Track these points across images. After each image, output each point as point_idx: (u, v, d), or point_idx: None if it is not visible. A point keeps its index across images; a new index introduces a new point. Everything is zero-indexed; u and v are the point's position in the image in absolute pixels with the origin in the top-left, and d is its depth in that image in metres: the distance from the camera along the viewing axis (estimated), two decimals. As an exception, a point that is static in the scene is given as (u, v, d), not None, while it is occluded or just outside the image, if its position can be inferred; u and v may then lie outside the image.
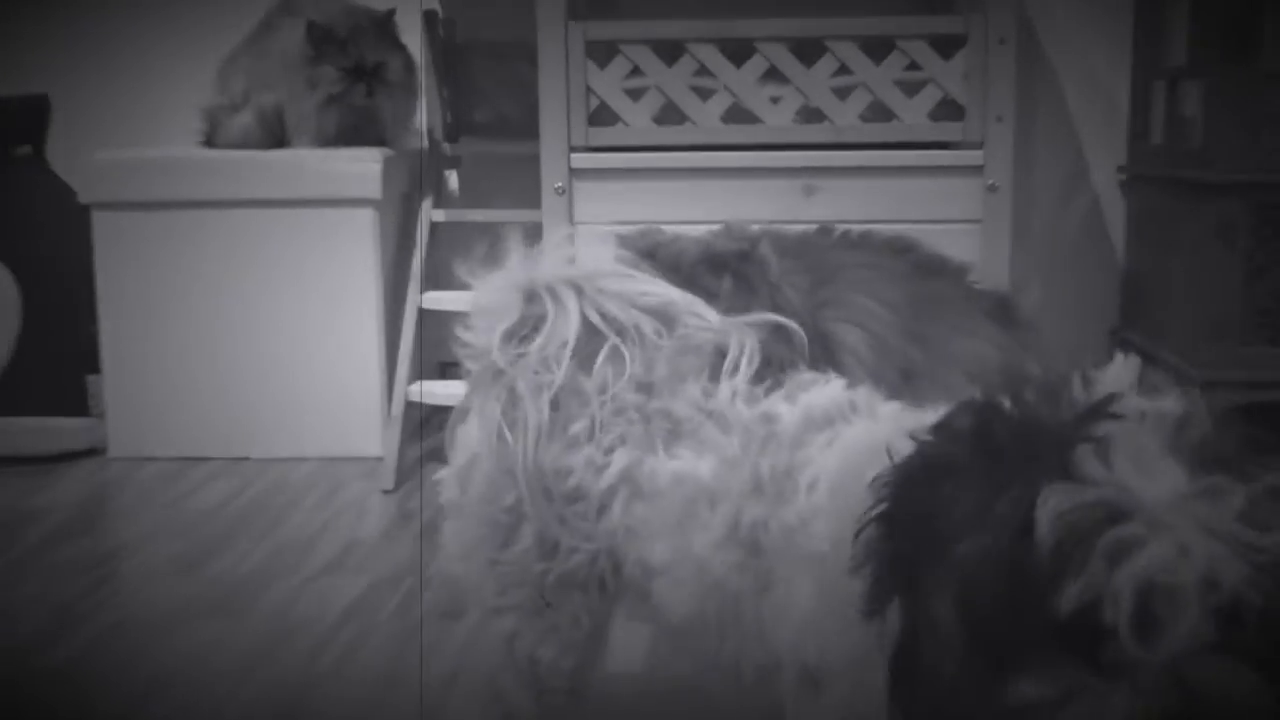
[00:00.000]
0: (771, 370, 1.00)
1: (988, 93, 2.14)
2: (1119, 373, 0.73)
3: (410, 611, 1.73)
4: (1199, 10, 2.45)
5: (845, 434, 0.90)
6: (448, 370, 2.89)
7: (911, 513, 0.72)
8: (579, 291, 1.04)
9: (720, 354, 1.02)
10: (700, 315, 1.06)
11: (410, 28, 2.65)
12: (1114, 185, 2.80)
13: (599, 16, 2.39)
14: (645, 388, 1.02)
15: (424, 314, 2.51)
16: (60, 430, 2.52)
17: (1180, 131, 2.58)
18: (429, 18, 2.55)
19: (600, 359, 1.02)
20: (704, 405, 0.99)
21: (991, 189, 2.15)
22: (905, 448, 0.76)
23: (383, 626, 1.69)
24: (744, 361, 1.01)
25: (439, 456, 2.52)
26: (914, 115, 2.19)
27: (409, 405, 2.41)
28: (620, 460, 0.99)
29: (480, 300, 1.08)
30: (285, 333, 2.50)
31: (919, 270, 1.75)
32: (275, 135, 2.62)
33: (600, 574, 1.04)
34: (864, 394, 0.95)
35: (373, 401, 2.51)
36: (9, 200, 2.58)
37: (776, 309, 1.37)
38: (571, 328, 1.02)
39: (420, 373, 2.53)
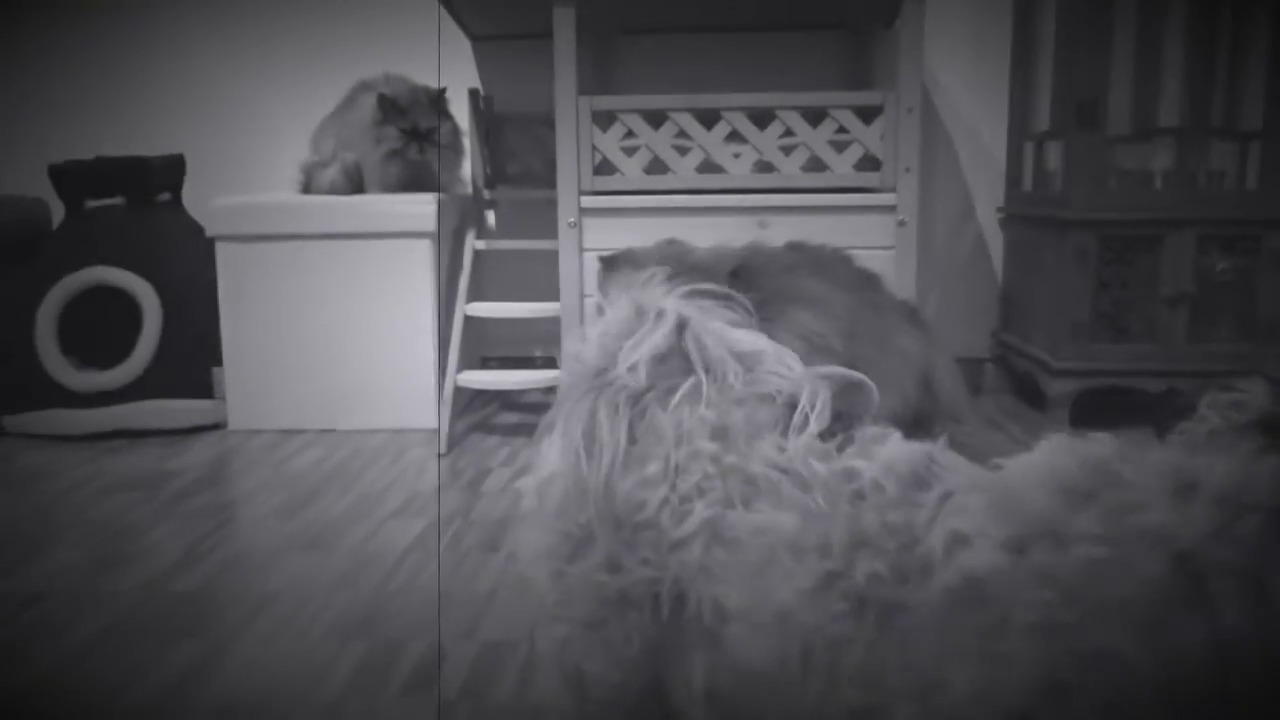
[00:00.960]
0: (840, 425, 0.78)
1: (899, 150, 2.12)
2: None
3: (458, 545, 1.70)
4: (1059, 89, 2.46)
5: (975, 485, 0.69)
6: (486, 363, 2.88)
7: None
8: (684, 321, 0.84)
9: (791, 406, 0.79)
10: (788, 365, 0.83)
11: (460, 101, 2.64)
12: (994, 221, 2.78)
13: (602, 92, 2.37)
14: (720, 433, 0.78)
15: (468, 320, 2.49)
16: (191, 409, 2.49)
17: (1045, 181, 2.58)
18: (473, 94, 2.53)
19: (678, 397, 0.80)
20: (778, 462, 0.76)
21: (901, 224, 2.14)
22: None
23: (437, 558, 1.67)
24: (814, 416, 0.78)
25: (482, 428, 2.50)
26: (842, 167, 2.17)
27: (457, 389, 2.38)
28: (701, 513, 0.77)
29: (607, 320, 0.87)
30: (362, 334, 2.48)
31: (855, 277, 1.70)
32: (355, 185, 2.61)
33: (656, 598, 0.81)
34: (941, 448, 0.74)
35: (429, 386, 2.49)
36: (154, 235, 2.55)
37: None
38: (661, 340, 0.82)
39: (465, 364, 2.51)
